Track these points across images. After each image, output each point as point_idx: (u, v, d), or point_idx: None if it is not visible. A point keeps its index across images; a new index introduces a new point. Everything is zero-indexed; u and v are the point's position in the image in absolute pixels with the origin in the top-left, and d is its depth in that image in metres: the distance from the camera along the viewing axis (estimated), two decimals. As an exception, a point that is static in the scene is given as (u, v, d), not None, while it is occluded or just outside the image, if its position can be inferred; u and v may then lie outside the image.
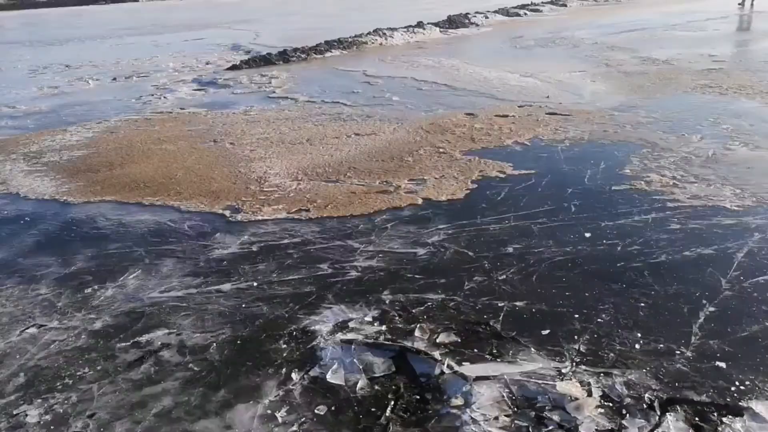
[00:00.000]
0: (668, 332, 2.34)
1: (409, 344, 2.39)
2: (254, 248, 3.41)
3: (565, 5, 22.78)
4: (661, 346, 2.27)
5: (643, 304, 2.55)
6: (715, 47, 9.87)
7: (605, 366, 2.17)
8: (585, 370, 2.15)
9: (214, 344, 2.49)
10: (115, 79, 10.67)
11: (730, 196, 3.64)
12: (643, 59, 9.07)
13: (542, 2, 22.97)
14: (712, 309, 2.48)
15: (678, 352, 2.22)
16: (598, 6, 22.88)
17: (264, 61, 11.45)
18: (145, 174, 4.88)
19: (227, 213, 3.96)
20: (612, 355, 2.23)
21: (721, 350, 2.22)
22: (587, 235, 3.27)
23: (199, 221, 3.87)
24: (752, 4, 15.46)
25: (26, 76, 11.80)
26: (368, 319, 2.63)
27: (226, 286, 3.00)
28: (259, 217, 3.85)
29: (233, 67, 11.09)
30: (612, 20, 16.15)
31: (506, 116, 6.01)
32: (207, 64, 12.18)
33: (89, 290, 3.01)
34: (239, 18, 32.74)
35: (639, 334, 2.34)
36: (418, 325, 2.54)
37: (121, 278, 3.12)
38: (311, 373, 2.26)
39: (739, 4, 15.55)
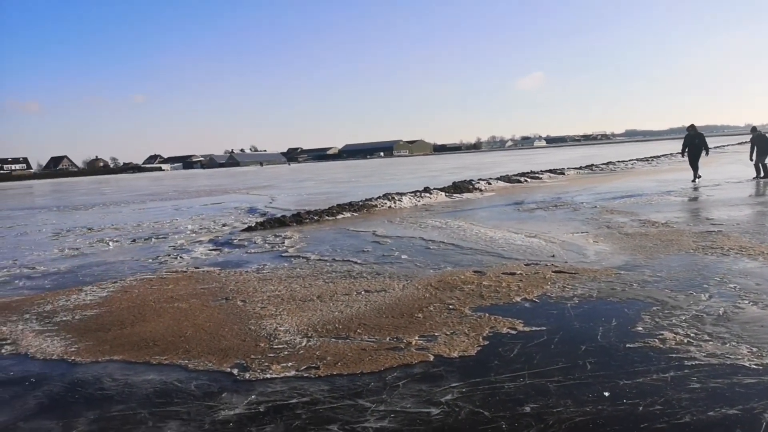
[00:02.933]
0: (705, 503, 2.16)
1: None
2: (261, 408, 3.29)
3: (563, 173, 24.37)
4: None
5: (674, 471, 2.39)
6: (710, 212, 10.32)
7: None
8: None
9: None
10: (134, 240, 11.14)
11: (747, 354, 3.56)
12: (642, 222, 9.43)
13: (541, 171, 24.62)
14: (749, 476, 2.31)
15: None
16: (593, 174, 24.40)
17: (278, 222, 12.01)
18: (155, 332, 4.88)
19: (235, 371, 3.88)
20: None
21: None
22: (606, 394, 3.16)
23: (206, 380, 3.78)
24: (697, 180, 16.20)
25: (49, 239, 12.34)
26: (380, 486, 2.46)
27: (230, 450, 2.85)
28: (268, 375, 3.77)
29: (248, 229, 11.60)
30: (608, 187, 17.11)
31: (513, 274, 6.12)
32: (224, 225, 12.77)
33: (86, 453, 2.86)
34: (256, 184, 34.97)
35: (674, 505, 2.16)
36: (434, 494, 2.36)
37: (121, 440, 2.98)
38: None
39: (692, 180, 16.30)
